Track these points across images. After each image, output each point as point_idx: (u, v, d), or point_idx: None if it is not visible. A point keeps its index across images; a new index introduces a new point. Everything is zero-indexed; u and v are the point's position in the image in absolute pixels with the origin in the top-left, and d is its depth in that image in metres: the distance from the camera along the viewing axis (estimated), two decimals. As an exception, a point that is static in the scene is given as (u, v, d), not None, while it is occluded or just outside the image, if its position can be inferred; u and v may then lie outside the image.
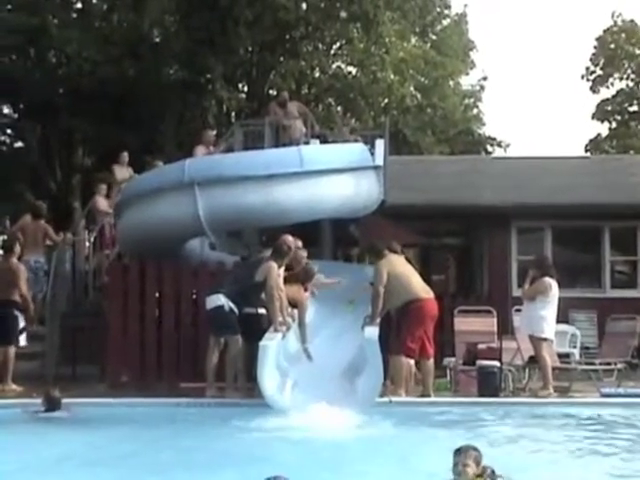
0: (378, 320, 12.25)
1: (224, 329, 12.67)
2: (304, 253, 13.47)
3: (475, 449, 5.98)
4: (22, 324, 13.83)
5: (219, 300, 12.62)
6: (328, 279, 13.49)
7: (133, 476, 7.55)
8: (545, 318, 13.16)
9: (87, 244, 17.29)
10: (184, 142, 23.50)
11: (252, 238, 16.57)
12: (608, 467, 7.87)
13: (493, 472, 5.93)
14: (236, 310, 12.56)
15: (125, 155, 18.61)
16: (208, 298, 12.80)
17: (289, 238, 13.02)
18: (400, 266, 12.70)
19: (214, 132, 19.19)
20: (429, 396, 12.47)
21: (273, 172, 13.94)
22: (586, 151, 39.42)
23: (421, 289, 12.63)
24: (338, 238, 17.55)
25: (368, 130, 22.62)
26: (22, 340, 13.85)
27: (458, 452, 5.94)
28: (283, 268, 12.59)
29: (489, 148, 38.54)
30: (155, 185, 14.52)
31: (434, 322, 12.74)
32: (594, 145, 40.11)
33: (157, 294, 14.66)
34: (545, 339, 13.17)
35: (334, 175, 14.56)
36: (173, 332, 14.36)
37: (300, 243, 13.38)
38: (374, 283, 12.43)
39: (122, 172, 18.15)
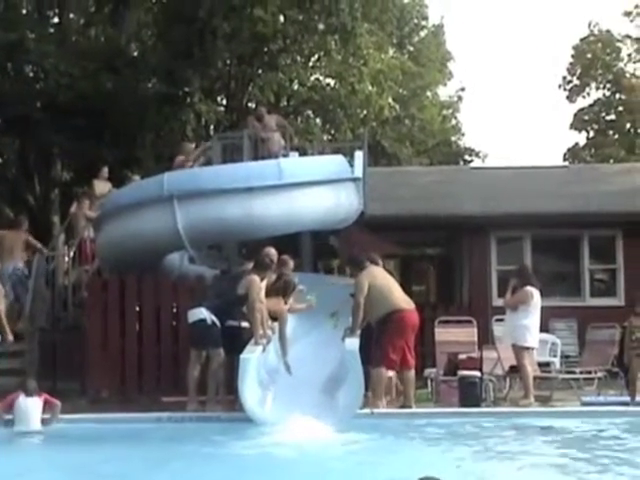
0: (358, 332, 12.24)
1: (206, 343, 12.64)
2: (291, 263, 13.52)
3: None
4: None
5: (201, 314, 12.61)
6: (299, 304, 13.46)
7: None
8: (528, 327, 13.19)
9: (66, 259, 17.20)
10: (163, 156, 23.46)
11: (232, 251, 16.55)
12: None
13: None
14: (218, 323, 12.55)
15: (105, 170, 18.58)
16: (190, 312, 12.77)
17: (271, 251, 13.02)
18: (381, 277, 12.70)
19: (193, 145, 19.12)
20: (410, 407, 12.46)
21: (252, 185, 13.95)
22: (564, 160, 39.60)
23: (402, 300, 12.63)
24: (318, 250, 17.56)
25: (347, 142, 22.68)
26: None
27: None
28: (265, 281, 12.58)
29: (467, 158, 38.70)
30: (134, 199, 14.50)
31: (415, 333, 12.74)
32: (572, 154, 40.30)
33: (137, 308, 14.61)
34: (527, 348, 13.19)
35: (313, 187, 14.58)
36: (153, 346, 14.32)
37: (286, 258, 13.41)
38: (355, 295, 12.43)
39: (102, 187, 18.09)
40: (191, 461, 9.28)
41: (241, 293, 12.31)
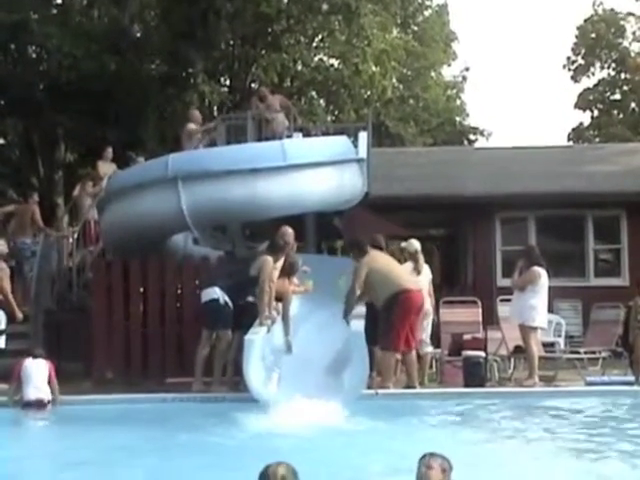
0: (363, 311, 12.27)
1: (215, 323, 12.70)
2: (294, 244, 13.55)
3: (444, 458, 5.48)
4: (2, 326, 13.74)
5: (215, 293, 12.67)
6: (299, 287, 13.48)
7: (121, 475, 7.55)
8: (536, 307, 13.18)
9: (70, 240, 17.23)
10: (166, 137, 23.44)
11: (236, 233, 16.54)
12: (592, 459, 7.88)
13: None
14: (230, 304, 12.59)
15: (109, 151, 18.56)
16: (204, 291, 12.85)
17: (288, 231, 13.05)
18: (383, 261, 12.65)
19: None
20: (414, 387, 12.49)
21: (256, 166, 13.92)
22: (569, 140, 39.54)
23: (408, 280, 12.63)
24: (322, 231, 17.53)
25: (351, 123, 22.64)
26: (1, 342, 13.74)
27: (423, 457, 5.48)
28: (279, 263, 12.55)
29: (472, 138, 38.63)
30: (138, 180, 14.48)
31: (420, 314, 12.75)
32: (577, 134, 40.23)
33: (141, 290, 14.63)
34: (535, 328, 13.20)
35: (317, 168, 14.54)
36: (158, 328, 14.34)
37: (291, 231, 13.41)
38: (352, 280, 12.42)
39: (106, 168, 18.10)
40: (194, 441, 9.31)
41: (254, 274, 12.31)
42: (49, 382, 11.69)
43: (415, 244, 13.86)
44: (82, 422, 10.61)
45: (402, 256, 13.93)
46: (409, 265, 13.41)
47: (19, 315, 13.69)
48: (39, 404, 11.42)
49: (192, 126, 16.89)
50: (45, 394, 11.51)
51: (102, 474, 7.70)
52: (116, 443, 9.17)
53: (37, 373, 11.59)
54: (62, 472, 7.76)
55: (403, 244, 14.06)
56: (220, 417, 10.26)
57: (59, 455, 8.69)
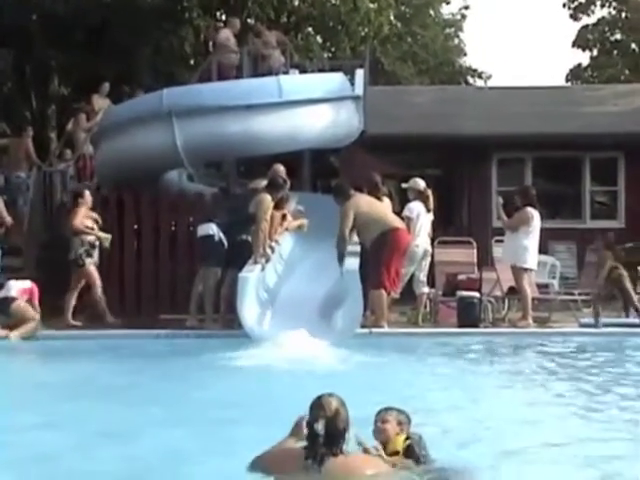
0: (358, 251, 12.30)
1: (208, 258, 12.74)
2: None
3: (400, 411, 5.39)
4: None
5: (210, 229, 12.70)
6: (294, 222, 13.47)
7: (115, 408, 7.59)
8: (527, 248, 13.22)
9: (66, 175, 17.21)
10: (161, 72, 23.27)
11: (230, 169, 16.52)
12: (586, 402, 7.93)
13: (420, 438, 5.30)
14: (225, 242, 12.61)
15: (106, 85, 18.39)
16: (200, 226, 12.88)
17: (280, 168, 13.05)
18: (367, 204, 12.62)
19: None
20: (382, 327, 12.35)
21: (252, 102, 13.89)
22: (567, 81, 39.27)
23: (393, 219, 12.65)
24: (318, 169, 17.52)
25: (347, 60, 22.48)
26: None
27: (379, 412, 5.37)
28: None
29: (470, 80, 38.37)
30: (132, 115, 14.44)
31: (405, 254, 12.76)
32: (575, 75, 39.92)
33: (135, 226, 14.63)
34: (527, 269, 13.25)
35: (313, 105, 14.54)
36: (152, 264, 14.36)
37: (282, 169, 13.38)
38: (339, 225, 12.41)
39: (101, 102, 17.97)
40: (189, 374, 9.38)
41: (252, 212, 12.31)
42: (31, 302, 11.92)
43: (421, 182, 13.87)
44: (72, 357, 10.66)
45: (395, 196, 13.95)
46: (389, 203, 13.34)
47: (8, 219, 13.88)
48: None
49: (226, 33, 16.77)
50: None
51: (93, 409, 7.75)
52: (107, 379, 9.23)
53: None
54: (55, 405, 7.81)
55: (406, 184, 14.04)
56: (212, 354, 10.28)
57: (49, 389, 8.74)
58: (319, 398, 4.86)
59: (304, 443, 4.89)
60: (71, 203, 13.88)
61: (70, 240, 13.33)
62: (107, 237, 13.41)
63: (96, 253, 13.39)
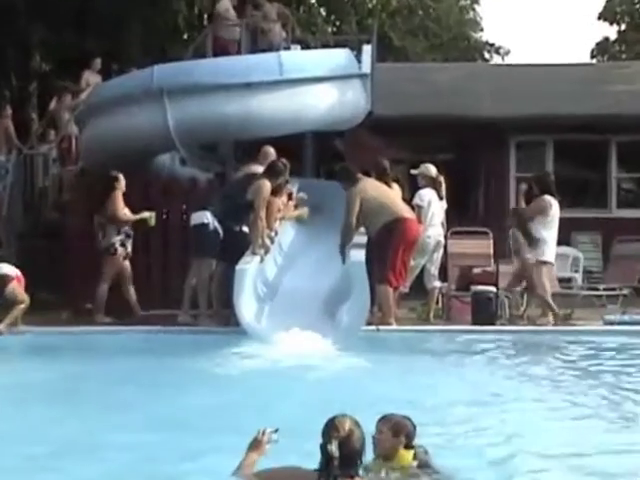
0: (364, 241, 12.29)
1: (202, 249, 12.74)
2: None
3: (398, 421, 5.31)
4: None
5: (205, 217, 12.69)
6: (294, 211, 13.46)
7: (100, 410, 7.62)
8: (545, 240, 13.19)
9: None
10: (152, 48, 23.23)
11: (227, 153, 16.50)
12: (614, 408, 7.91)
13: (426, 452, 5.30)
14: (220, 231, 12.61)
15: (98, 62, 18.36)
16: (194, 214, 12.90)
17: (270, 150, 13.06)
18: (376, 188, 12.60)
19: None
20: (390, 324, 12.36)
21: (251, 80, 13.88)
22: (592, 57, 39.18)
23: (402, 208, 12.62)
24: (321, 153, 17.50)
25: (354, 35, 22.45)
26: None
27: (378, 421, 5.34)
28: None
29: (487, 55, 38.33)
30: (120, 93, 14.42)
31: (413, 246, 12.74)
32: (601, 50, 39.82)
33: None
34: (545, 263, 13.22)
35: (317, 84, 14.52)
36: (142, 255, 14.35)
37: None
38: (345, 213, 12.41)
39: (92, 79, 17.92)
40: (180, 375, 9.38)
41: (250, 199, 12.30)
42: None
43: (432, 168, 13.85)
44: (59, 354, 10.69)
45: (405, 183, 13.93)
46: (398, 189, 13.34)
47: None
48: None
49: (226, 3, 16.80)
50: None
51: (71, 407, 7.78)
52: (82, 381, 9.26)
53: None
54: (35, 406, 7.85)
55: (416, 170, 14.01)
56: (206, 352, 10.29)
57: (30, 388, 8.77)
58: (332, 420, 4.83)
59: (261, 456, 4.96)
60: (106, 188, 13.79)
61: (104, 227, 13.45)
62: (151, 215, 13.51)
63: (130, 244, 13.48)
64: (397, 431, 5.28)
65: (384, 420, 5.33)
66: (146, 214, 13.50)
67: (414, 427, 5.34)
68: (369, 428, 5.07)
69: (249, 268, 11.69)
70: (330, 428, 4.79)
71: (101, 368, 9.81)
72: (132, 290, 13.41)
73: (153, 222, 13.60)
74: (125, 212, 13.45)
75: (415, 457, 5.26)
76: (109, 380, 9.15)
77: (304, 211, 13.46)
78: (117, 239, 13.37)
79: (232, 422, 6.82)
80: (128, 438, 6.58)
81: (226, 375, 9.27)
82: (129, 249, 13.51)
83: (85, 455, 6.26)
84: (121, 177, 13.65)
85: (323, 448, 4.74)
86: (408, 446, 5.28)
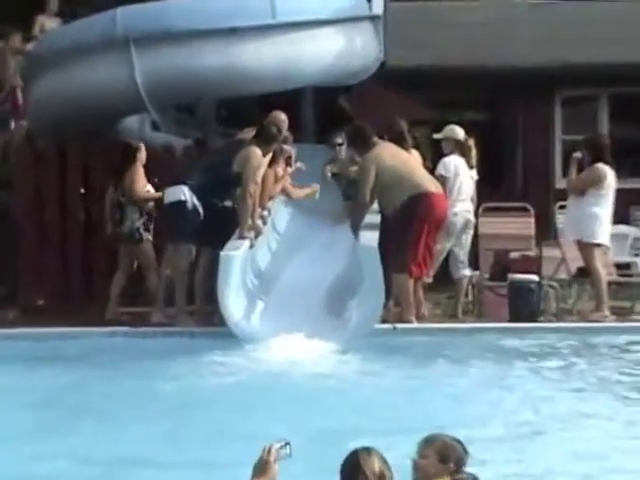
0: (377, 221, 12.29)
1: (179, 232, 12.71)
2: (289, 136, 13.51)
3: (447, 442, 5.15)
4: None
5: (182, 194, 12.64)
6: (301, 189, 13.49)
7: (49, 425, 7.65)
8: (598, 217, 13.16)
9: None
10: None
11: (208, 115, 16.50)
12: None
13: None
14: (201, 210, 12.57)
15: (54, 1, 18.27)
16: (168, 190, 12.89)
17: (280, 116, 13.02)
18: (396, 155, 12.62)
19: None
20: (410, 322, 12.39)
21: (236, 25, 13.83)
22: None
23: (428, 180, 12.61)
24: (324, 114, 17.48)
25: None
26: None
27: (421, 441, 5.15)
28: (268, 157, 12.51)
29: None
30: (76, 42, 14.34)
31: (440, 227, 12.73)
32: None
33: (82, 190, 14.62)
34: (598, 245, 13.20)
35: (318, 28, 14.48)
36: (105, 240, 14.33)
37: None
38: (359, 185, 12.36)
39: (49, 24, 17.82)
40: (146, 389, 9.40)
41: (237, 170, 12.25)
42: None
43: (460, 130, 13.83)
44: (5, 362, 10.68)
45: (426, 149, 13.94)
46: (418, 157, 13.32)
47: None
48: None
49: None
50: None
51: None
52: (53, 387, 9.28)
53: None
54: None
55: (440, 134, 13.98)
56: (185, 358, 10.33)
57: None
58: (354, 456, 4.62)
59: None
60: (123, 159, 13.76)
61: (123, 207, 13.45)
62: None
63: (152, 226, 13.54)
64: (445, 456, 5.08)
65: (429, 442, 5.13)
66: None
67: (465, 452, 5.15)
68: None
69: (236, 255, 11.67)
70: (354, 469, 4.59)
71: (29, 384, 9.79)
72: (159, 282, 13.34)
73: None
74: (148, 189, 13.43)
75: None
76: (34, 400, 9.12)
77: (315, 188, 13.43)
78: (140, 223, 13.35)
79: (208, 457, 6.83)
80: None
81: (205, 388, 9.29)
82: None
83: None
84: (142, 147, 13.65)
85: None
86: (456, 474, 5.17)
